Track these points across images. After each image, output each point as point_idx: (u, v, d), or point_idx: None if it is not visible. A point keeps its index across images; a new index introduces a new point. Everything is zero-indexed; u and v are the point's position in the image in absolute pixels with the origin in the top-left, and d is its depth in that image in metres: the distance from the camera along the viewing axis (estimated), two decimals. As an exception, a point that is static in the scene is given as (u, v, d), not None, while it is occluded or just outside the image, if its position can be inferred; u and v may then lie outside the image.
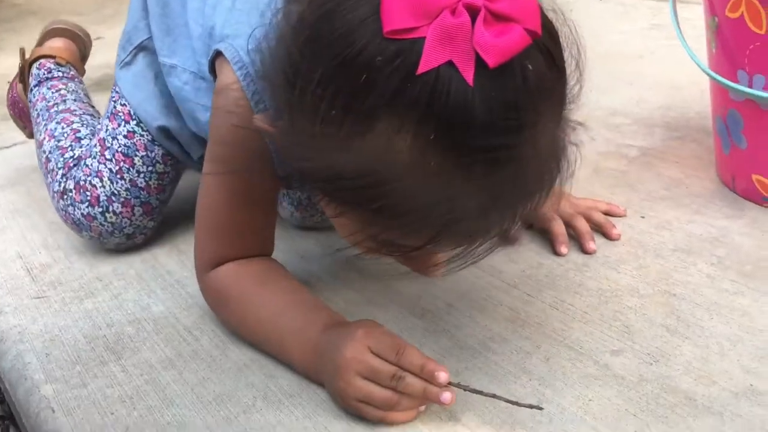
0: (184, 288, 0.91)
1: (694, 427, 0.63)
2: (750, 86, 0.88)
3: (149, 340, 0.82)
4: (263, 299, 0.76)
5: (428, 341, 0.77)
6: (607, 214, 0.94)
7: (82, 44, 1.30)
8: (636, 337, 0.74)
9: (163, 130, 0.95)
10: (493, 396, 0.65)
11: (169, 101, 0.93)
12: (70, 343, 0.83)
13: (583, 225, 0.90)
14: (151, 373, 0.77)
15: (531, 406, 0.64)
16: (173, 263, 0.97)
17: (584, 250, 0.89)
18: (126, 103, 0.97)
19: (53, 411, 0.73)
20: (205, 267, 0.80)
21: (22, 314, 0.89)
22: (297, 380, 0.73)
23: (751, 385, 0.67)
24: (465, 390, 0.65)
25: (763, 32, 0.84)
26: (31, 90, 1.18)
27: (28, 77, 1.20)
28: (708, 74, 0.95)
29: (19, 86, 1.25)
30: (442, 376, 0.63)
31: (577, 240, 0.91)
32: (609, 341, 0.74)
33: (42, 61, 1.21)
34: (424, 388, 0.64)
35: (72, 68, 1.23)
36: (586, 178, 1.08)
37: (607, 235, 0.91)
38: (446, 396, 0.63)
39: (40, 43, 1.27)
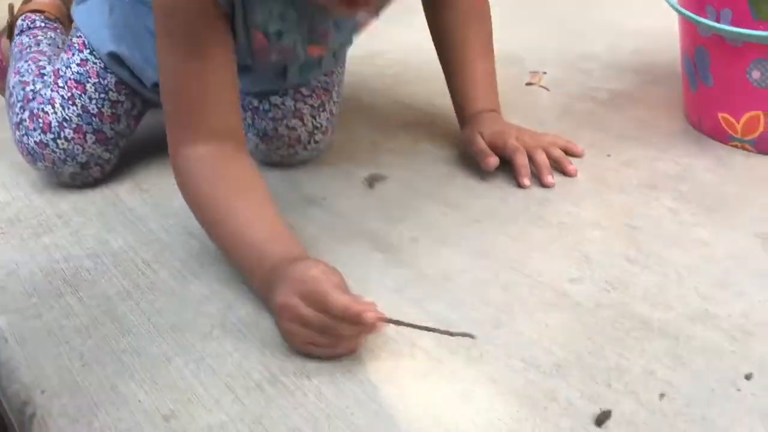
0: (145, 224, 0.90)
1: (649, 349, 0.63)
2: (717, 21, 0.88)
3: (107, 274, 0.81)
4: (230, 209, 0.74)
5: (390, 273, 0.77)
6: (564, 150, 0.94)
7: (69, 2, 1.28)
8: (595, 267, 0.74)
9: (114, 57, 0.94)
10: (426, 328, 0.63)
11: (122, 31, 0.93)
12: (27, 277, 0.82)
13: (542, 159, 0.90)
14: (108, 304, 0.76)
15: (464, 335, 0.62)
16: (135, 200, 0.96)
17: (542, 183, 0.89)
18: (81, 35, 0.96)
19: (6, 341, 0.72)
20: (176, 145, 0.77)
21: (-21, 250, 0.88)
22: (255, 311, 0.72)
23: (707, 310, 0.67)
24: (398, 325, 0.63)
25: (730, -35, 0.84)
26: (14, 41, 1.16)
27: (14, 33, 1.19)
28: (677, 10, 0.94)
29: (6, 42, 1.23)
30: (369, 316, 0.60)
31: (536, 173, 0.90)
32: (568, 270, 0.74)
33: (29, 14, 1.20)
34: (357, 331, 0.63)
35: (59, 23, 1.22)
36: (556, 120, 1.07)
37: (563, 171, 0.91)
38: (378, 326, 0.61)
39: (26, 0, 1.25)
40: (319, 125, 0.97)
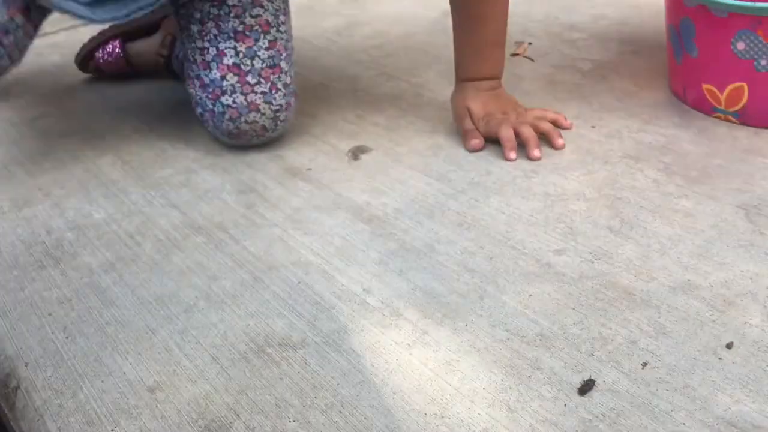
0: (127, 196, 0.89)
1: (631, 318, 0.63)
2: (703, -9, 0.87)
3: (90, 246, 0.80)
4: None
5: (375, 244, 0.76)
6: (553, 123, 0.94)
7: None
8: (579, 238, 0.74)
9: None
10: None
11: None
12: (8, 250, 0.81)
13: (529, 132, 0.90)
14: (91, 276, 0.75)
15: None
16: (117, 173, 0.94)
17: (529, 157, 0.89)
18: None
19: (-11, 313, 0.71)
20: None
21: (-41, 222, 0.87)
22: (240, 282, 0.72)
23: (689, 280, 0.67)
24: None
25: (717, -66, 0.83)
26: None
27: None
28: (662, -20, 0.93)
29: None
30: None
31: (523, 147, 0.90)
32: (552, 242, 0.74)
33: None
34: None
35: None
36: (540, 91, 1.07)
37: (552, 144, 0.91)
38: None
39: None
40: (278, 106, 0.94)
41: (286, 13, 0.99)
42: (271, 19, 0.95)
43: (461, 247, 0.75)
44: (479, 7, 0.95)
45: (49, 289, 0.74)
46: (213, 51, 0.93)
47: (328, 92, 1.14)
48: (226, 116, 0.93)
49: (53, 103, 1.16)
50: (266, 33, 0.95)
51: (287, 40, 0.98)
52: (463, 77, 0.97)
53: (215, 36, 0.93)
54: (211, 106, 0.94)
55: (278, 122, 0.95)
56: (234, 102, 0.92)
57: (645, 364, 0.59)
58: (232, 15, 0.93)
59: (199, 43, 0.93)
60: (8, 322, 0.70)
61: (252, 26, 0.94)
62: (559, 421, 0.54)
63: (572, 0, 1.41)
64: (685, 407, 0.55)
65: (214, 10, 0.93)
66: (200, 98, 0.95)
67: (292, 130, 1.01)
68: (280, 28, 0.97)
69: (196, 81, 0.95)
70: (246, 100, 0.92)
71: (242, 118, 0.92)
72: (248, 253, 0.76)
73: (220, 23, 0.93)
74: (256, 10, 0.95)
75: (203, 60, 0.94)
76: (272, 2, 0.98)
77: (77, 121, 1.09)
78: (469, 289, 0.69)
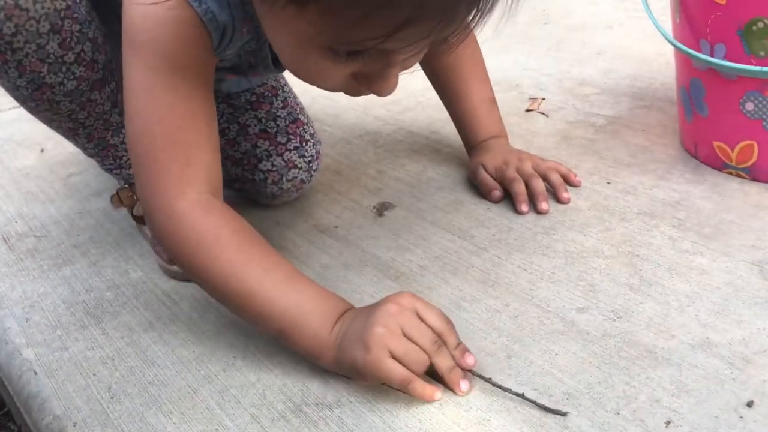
0: (161, 254, 0.92)
1: (654, 377, 0.66)
2: (711, 55, 0.91)
3: (128, 305, 0.84)
4: (254, 269, 0.69)
5: (402, 302, 0.79)
6: (563, 177, 0.98)
7: None
8: (600, 296, 0.77)
9: None
10: (522, 396, 0.64)
11: None
12: (50, 309, 0.84)
13: (538, 185, 0.95)
14: (132, 335, 0.79)
15: (556, 412, 0.63)
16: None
17: (536, 210, 0.93)
18: None
19: (35, 373, 0.74)
20: (164, 197, 0.70)
21: (1, 282, 0.90)
22: (274, 340, 0.75)
23: (707, 338, 0.70)
24: (494, 385, 0.66)
25: (723, 3, 0.87)
26: None
27: None
28: (672, 43, 0.97)
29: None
30: (471, 360, 0.66)
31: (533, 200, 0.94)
32: (575, 299, 0.77)
33: None
34: (452, 366, 0.66)
35: None
36: (555, 146, 1.11)
37: (557, 197, 0.95)
38: (465, 383, 0.66)
39: None
40: (311, 157, 0.97)
41: (284, 78, 1.04)
42: (275, 84, 1.01)
43: (486, 305, 0.78)
44: (461, 71, 1.01)
45: (92, 349, 0.77)
46: (235, 127, 0.97)
47: (351, 148, 1.18)
48: (269, 181, 0.95)
49: (87, 160, 1.20)
50: (276, 96, 1.00)
51: (295, 98, 1.03)
52: (472, 145, 1.02)
53: (231, 114, 0.98)
54: (250, 177, 0.96)
55: (312, 172, 0.98)
56: (273, 165, 0.95)
57: (668, 423, 0.61)
58: (241, 91, 0.98)
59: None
60: (55, 382, 0.73)
61: (262, 94, 0.99)
62: (589, 479, 0.57)
63: (583, 54, 1.46)
64: (710, 465, 0.57)
65: (221, 93, 0.97)
66: (236, 175, 0.97)
67: (319, 188, 1.05)
68: (285, 89, 1.02)
69: (227, 162, 0.95)
70: (283, 159, 0.95)
71: (284, 178, 0.95)
72: (282, 312, 0.79)
73: (232, 101, 0.98)
74: (260, 83, 1.00)
75: (227, 139, 0.96)
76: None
77: (111, 179, 1.13)
78: (497, 348, 0.71)
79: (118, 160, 0.92)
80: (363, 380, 0.67)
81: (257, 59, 0.83)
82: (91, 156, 0.93)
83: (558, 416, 0.63)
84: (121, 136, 0.89)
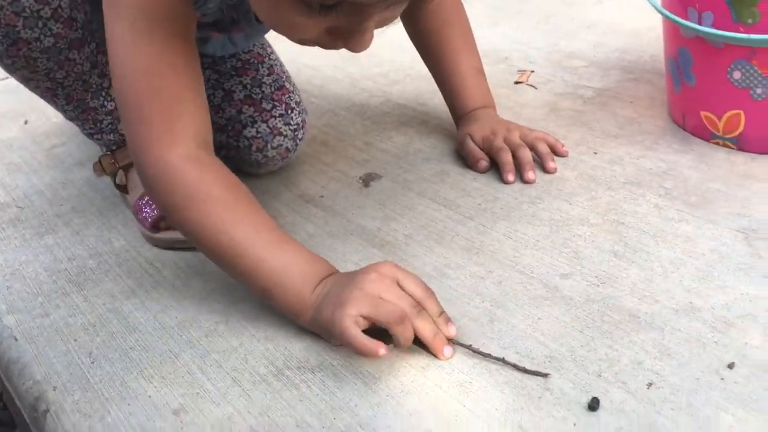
0: (145, 223, 0.92)
1: (636, 340, 0.66)
2: (699, 23, 0.91)
3: (111, 272, 0.83)
4: (242, 224, 0.70)
5: (386, 270, 0.79)
6: (551, 147, 0.97)
7: None
8: (585, 262, 0.77)
9: None
10: (502, 360, 0.64)
11: None
12: (32, 277, 0.84)
13: (525, 155, 0.94)
14: (114, 302, 0.78)
15: (536, 373, 0.63)
16: (134, 200, 0.97)
17: (522, 179, 0.93)
18: None
19: (16, 339, 0.74)
20: (152, 149, 0.70)
21: (-18, 250, 0.89)
22: (258, 306, 0.75)
23: (691, 302, 0.70)
24: (474, 352, 0.66)
25: (712, -31, 0.87)
26: None
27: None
28: (660, 12, 0.97)
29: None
30: (453, 329, 0.66)
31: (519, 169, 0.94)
32: (559, 266, 0.77)
33: None
34: (436, 332, 0.65)
35: None
36: (543, 118, 1.10)
37: (543, 167, 0.95)
38: (449, 349, 0.66)
39: None
40: (296, 125, 0.96)
41: (271, 47, 1.03)
42: (261, 51, 1.00)
43: (470, 272, 0.77)
44: (450, 41, 1.00)
45: (73, 315, 0.76)
46: (220, 93, 0.96)
47: (338, 119, 1.17)
48: (253, 148, 0.94)
49: (70, 131, 1.19)
50: (262, 63, 0.99)
51: (281, 66, 1.02)
52: (460, 115, 1.02)
53: (217, 80, 0.96)
54: (235, 143, 0.95)
55: (297, 141, 0.97)
56: (258, 132, 0.94)
57: (650, 384, 0.61)
58: (227, 57, 0.96)
59: None
60: (35, 348, 0.72)
61: (248, 60, 0.98)
62: (570, 439, 0.57)
63: (572, 28, 1.45)
64: (690, 426, 0.57)
65: (207, 58, 0.96)
66: (220, 142, 0.95)
67: (305, 159, 1.04)
68: (272, 57, 1.01)
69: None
70: (268, 126, 0.94)
71: (268, 146, 0.94)
72: (265, 279, 0.79)
73: (218, 67, 0.97)
74: (247, 48, 0.99)
75: (212, 106, 0.94)
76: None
77: (94, 150, 1.12)
78: (480, 313, 0.71)
79: (98, 124, 0.91)
80: (335, 341, 0.67)
81: (239, 14, 0.82)
82: (71, 119, 0.92)
83: (539, 378, 0.63)
84: (101, 99, 0.88)
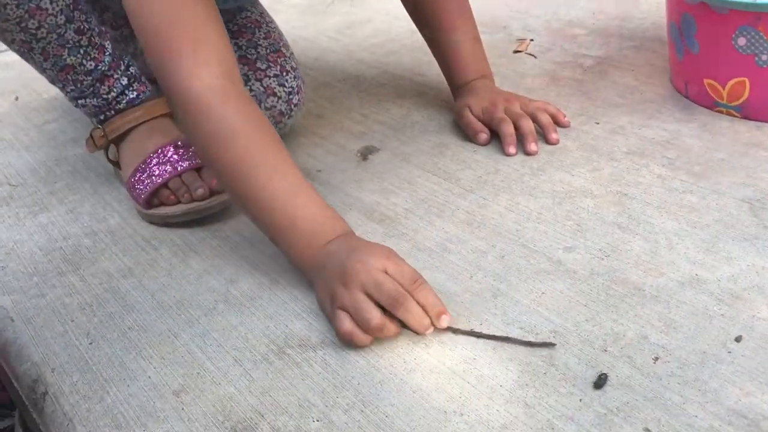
0: (140, 201, 0.90)
1: (642, 314, 0.65)
2: (703, -11, 0.89)
3: (107, 251, 0.82)
4: (273, 166, 0.70)
5: (388, 244, 0.77)
6: (552, 117, 0.95)
7: None
8: (588, 235, 0.76)
9: None
10: (506, 339, 0.64)
11: None
12: (27, 256, 0.82)
13: (527, 126, 0.92)
14: (110, 281, 0.77)
15: (544, 344, 0.62)
16: (129, 177, 0.96)
17: (525, 151, 0.91)
18: None
19: (12, 320, 0.73)
20: (183, 79, 0.70)
21: (-24, 230, 0.88)
22: (257, 284, 0.74)
23: (696, 275, 0.69)
24: (477, 336, 0.64)
25: (717, -68, 0.84)
26: None
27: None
28: (663, -22, 0.95)
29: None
30: (444, 320, 0.64)
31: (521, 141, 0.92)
32: (562, 239, 0.76)
33: None
34: (425, 323, 0.64)
35: None
36: (543, 87, 1.08)
37: (546, 138, 0.93)
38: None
39: None
40: (291, 88, 0.96)
41: (270, 16, 1.02)
42: (258, 18, 0.99)
43: (472, 246, 0.76)
44: (446, 9, 0.98)
45: (70, 295, 0.75)
46: None
47: (334, 92, 1.15)
48: None
49: (62, 107, 1.17)
50: (259, 28, 0.98)
51: (280, 33, 1.01)
52: (457, 85, 1.00)
53: None
54: None
55: (292, 106, 0.96)
56: (251, 91, 0.93)
57: (657, 359, 0.61)
58: (223, 20, 0.95)
59: None
60: (32, 329, 0.71)
61: (244, 24, 0.97)
62: (575, 415, 0.56)
63: (571, -6, 1.42)
64: (697, 400, 0.56)
65: None
66: None
67: (301, 132, 1.02)
68: (270, 24, 1.00)
69: None
70: (262, 85, 0.93)
71: (262, 106, 0.93)
72: (264, 256, 0.78)
73: None
74: (244, 14, 0.98)
75: None
76: (256, 7, 1.02)
77: (87, 126, 1.10)
78: (483, 288, 0.70)
79: (78, 85, 0.88)
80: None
81: None
82: (52, 82, 0.89)
83: (544, 354, 0.62)
84: (78, 56, 0.86)
